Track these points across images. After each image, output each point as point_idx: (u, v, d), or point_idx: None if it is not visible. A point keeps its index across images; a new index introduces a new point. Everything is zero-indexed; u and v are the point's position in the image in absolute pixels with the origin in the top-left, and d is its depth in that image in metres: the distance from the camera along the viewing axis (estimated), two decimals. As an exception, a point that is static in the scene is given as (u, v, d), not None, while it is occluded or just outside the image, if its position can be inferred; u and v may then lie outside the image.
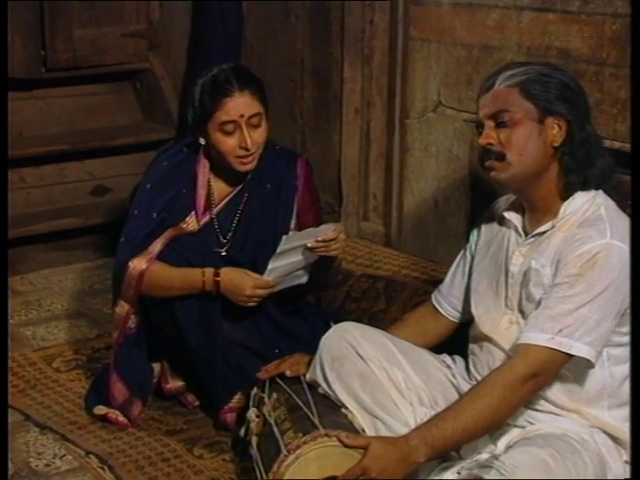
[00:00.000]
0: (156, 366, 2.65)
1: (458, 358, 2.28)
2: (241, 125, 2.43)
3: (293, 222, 2.60)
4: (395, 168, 3.37)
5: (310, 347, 2.32)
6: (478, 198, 3.06)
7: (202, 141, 2.51)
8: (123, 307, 2.54)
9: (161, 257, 2.47)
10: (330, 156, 3.64)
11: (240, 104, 2.43)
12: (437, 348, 2.34)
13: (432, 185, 3.25)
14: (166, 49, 4.18)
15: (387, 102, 3.37)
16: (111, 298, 2.64)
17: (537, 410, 2.06)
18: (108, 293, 3.42)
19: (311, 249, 2.39)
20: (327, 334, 2.22)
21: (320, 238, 2.38)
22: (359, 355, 2.15)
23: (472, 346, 2.22)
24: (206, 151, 2.57)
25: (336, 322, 2.37)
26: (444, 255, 3.15)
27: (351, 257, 3.17)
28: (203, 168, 2.57)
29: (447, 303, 2.34)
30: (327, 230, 2.41)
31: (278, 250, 2.36)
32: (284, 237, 2.35)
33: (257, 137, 2.46)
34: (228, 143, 2.45)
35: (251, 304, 2.43)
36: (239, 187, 2.59)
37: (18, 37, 3.74)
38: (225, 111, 2.43)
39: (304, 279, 2.52)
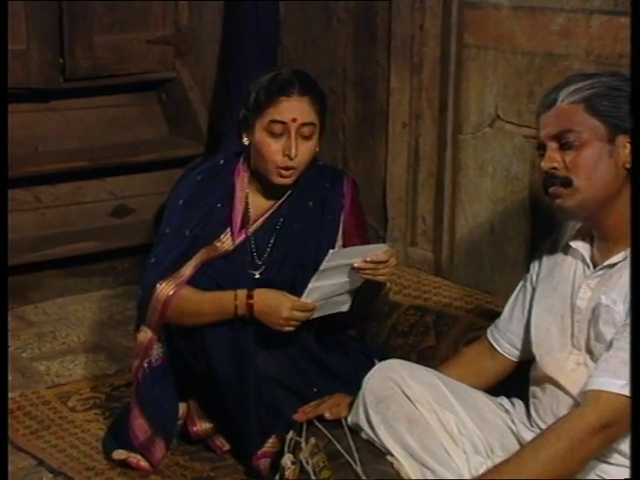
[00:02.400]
0: (182, 406, 2.67)
1: (517, 401, 2.28)
2: (290, 130, 2.47)
3: (338, 245, 2.62)
4: (446, 189, 3.37)
5: (352, 387, 2.32)
6: (539, 223, 3.05)
7: (246, 141, 2.54)
8: (146, 334, 2.57)
9: (191, 282, 2.51)
10: (374, 175, 3.66)
11: (296, 107, 2.47)
12: (494, 390, 2.34)
13: (488, 208, 3.24)
14: (195, 57, 4.22)
15: (438, 116, 3.38)
16: (133, 327, 2.67)
17: (610, 464, 2.05)
18: (129, 325, 3.47)
19: (357, 269, 2.39)
20: (371, 373, 2.22)
21: (369, 259, 2.38)
22: (406, 396, 2.15)
23: (534, 388, 2.21)
24: (245, 164, 2.61)
25: (381, 359, 2.38)
26: (501, 286, 3.14)
27: (397, 287, 3.17)
28: (241, 182, 2.61)
29: (505, 340, 2.34)
30: (378, 250, 2.41)
31: (322, 266, 2.36)
32: (330, 251, 2.36)
33: (304, 150, 2.49)
34: (272, 147, 2.48)
35: (288, 329, 2.44)
36: (278, 204, 2.62)
37: (34, 43, 3.80)
38: (278, 110, 2.46)
39: (346, 307, 2.53)
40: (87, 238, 3.94)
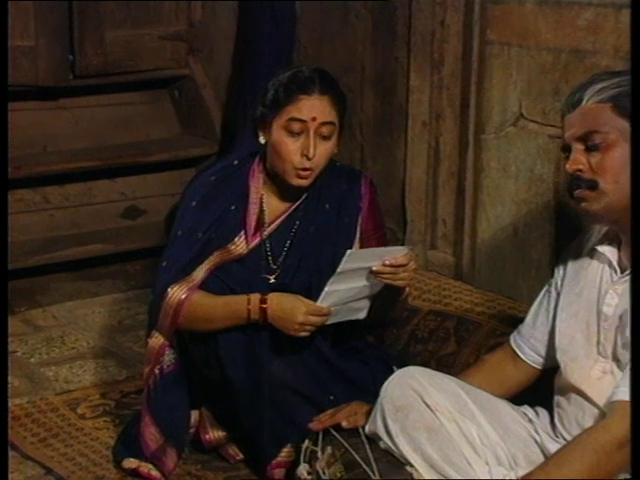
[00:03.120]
0: (194, 414, 2.67)
1: (541, 411, 2.27)
2: (309, 129, 2.47)
3: (355, 248, 2.61)
4: (468, 190, 3.37)
5: (370, 394, 2.32)
6: (564, 226, 3.05)
7: (262, 139, 2.54)
8: (157, 339, 2.58)
9: (203, 286, 2.51)
10: (393, 176, 3.66)
11: (316, 105, 2.47)
12: (517, 398, 2.33)
13: (511, 210, 3.24)
14: (208, 53, 4.24)
15: (459, 115, 3.38)
16: (144, 333, 2.67)
17: None
18: (139, 329, 3.48)
19: (375, 273, 2.39)
20: (389, 380, 2.22)
21: (388, 262, 2.38)
22: (426, 405, 2.15)
23: (558, 397, 2.20)
24: (260, 164, 2.61)
25: (400, 366, 2.37)
26: (524, 291, 3.14)
27: (417, 291, 3.17)
28: (256, 183, 2.61)
29: (528, 347, 2.33)
30: (397, 253, 2.40)
31: (339, 268, 2.34)
32: (348, 252, 2.34)
33: (322, 151, 2.49)
34: (290, 146, 2.48)
35: (302, 334, 2.44)
36: (294, 206, 2.62)
37: (43, 40, 3.82)
38: (298, 108, 2.46)
39: (362, 314, 2.52)
40: (97, 240, 3.96)
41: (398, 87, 3.59)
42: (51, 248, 3.86)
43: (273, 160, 2.53)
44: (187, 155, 4.17)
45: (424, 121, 3.48)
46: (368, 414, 2.26)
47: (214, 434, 2.69)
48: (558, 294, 2.26)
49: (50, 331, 3.57)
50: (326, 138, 2.49)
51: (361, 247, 2.62)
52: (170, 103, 4.30)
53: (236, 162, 2.65)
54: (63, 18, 3.86)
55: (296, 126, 2.47)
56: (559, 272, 2.28)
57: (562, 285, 2.25)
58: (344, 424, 2.30)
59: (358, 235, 2.63)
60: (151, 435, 2.60)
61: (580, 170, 2.06)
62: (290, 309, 2.42)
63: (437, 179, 3.49)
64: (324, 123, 2.47)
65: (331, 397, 2.50)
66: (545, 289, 2.33)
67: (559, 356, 2.19)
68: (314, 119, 2.46)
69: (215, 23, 4.20)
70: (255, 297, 2.45)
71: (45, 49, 3.83)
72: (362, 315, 2.52)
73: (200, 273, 2.52)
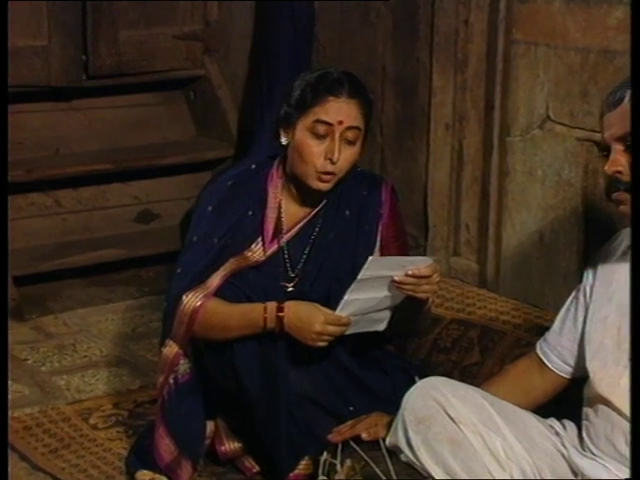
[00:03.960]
0: (209, 425, 2.68)
1: (568, 423, 2.26)
2: (335, 133, 2.47)
3: (376, 255, 2.60)
4: (492, 195, 3.36)
5: (391, 405, 2.32)
6: (593, 232, 3.04)
7: (284, 140, 2.55)
8: (172, 348, 2.58)
9: (219, 293, 2.51)
10: (415, 180, 3.65)
11: (344, 109, 2.47)
12: (543, 411, 2.32)
13: (537, 216, 3.23)
14: (225, 53, 4.25)
15: (484, 117, 3.38)
16: (159, 341, 2.68)
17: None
18: (153, 337, 3.48)
19: (397, 283, 2.38)
20: (411, 390, 2.22)
21: (411, 272, 2.37)
22: (449, 416, 2.15)
23: (586, 410, 2.19)
24: (279, 168, 2.62)
25: (422, 376, 2.37)
26: (551, 299, 3.13)
27: (439, 299, 3.16)
28: (275, 188, 2.61)
29: (555, 355, 2.32)
30: (421, 264, 2.39)
31: (360, 276, 2.33)
32: (369, 259, 2.33)
33: (347, 156, 2.49)
34: (313, 148, 2.48)
35: (320, 344, 2.43)
36: (313, 212, 2.63)
37: (56, 39, 3.84)
38: (325, 110, 2.47)
39: (382, 325, 2.52)
40: (110, 245, 3.97)
41: (420, 88, 3.59)
42: (63, 253, 3.88)
43: (294, 162, 2.54)
44: (203, 158, 4.18)
45: (447, 123, 3.48)
46: (389, 426, 2.26)
47: (230, 446, 2.69)
48: (587, 300, 2.26)
49: (62, 339, 3.58)
50: (351, 143, 2.49)
51: (382, 255, 2.61)
52: (185, 104, 4.32)
53: (254, 166, 2.66)
54: (76, 18, 3.88)
55: (322, 128, 2.47)
56: (588, 277, 2.27)
57: (592, 290, 2.24)
58: (364, 436, 2.31)
59: (378, 243, 2.63)
60: (165, 446, 2.60)
61: (619, 172, 2.04)
62: (307, 318, 2.42)
63: (460, 183, 3.49)
64: (350, 127, 2.48)
65: (351, 408, 2.50)
66: (573, 295, 2.32)
67: (588, 363, 2.18)
68: (340, 122, 2.47)
69: (232, 22, 4.21)
70: (272, 305, 2.45)
71: (58, 49, 3.85)
72: (382, 327, 2.51)
73: (216, 280, 2.53)
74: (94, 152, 4.06)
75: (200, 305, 2.49)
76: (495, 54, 3.28)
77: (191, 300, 2.50)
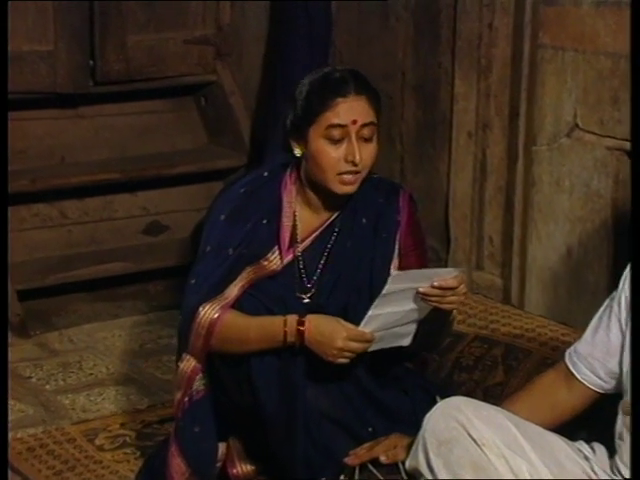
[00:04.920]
0: (221, 446, 2.67)
1: (598, 446, 2.24)
2: (351, 134, 2.47)
3: (394, 265, 2.61)
4: (517, 206, 3.36)
5: (411, 427, 2.32)
6: (623, 245, 3.03)
7: (298, 152, 2.55)
8: (189, 362, 2.58)
9: (237, 305, 2.52)
10: (436, 190, 3.65)
11: (355, 108, 2.47)
12: (574, 430, 2.30)
13: (564, 228, 3.23)
14: (237, 58, 4.26)
15: (508, 125, 3.38)
16: (168, 358, 2.68)
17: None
18: (162, 354, 3.49)
19: (422, 295, 2.38)
20: (432, 411, 2.21)
21: (436, 284, 2.37)
22: (472, 438, 2.14)
23: (620, 428, 2.17)
24: (292, 175, 2.62)
25: (443, 396, 2.36)
26: (579, 316, 3.11)
27: (462, 315, 3.16)
28: (289, 195, 2.61)
29: (585, 366, 2.30)
30: (446, 275, 2.39)
31: (384, 291, 2.33)
32: (393, 273, 2.35)
33: (367, 154, 2.49)
34: (332, 154, 2.48)
35: (341, 360, 2.43)
36: (329, 220, 2.63)
37: (62, 44, 3.85)
38: (335, 113, 2.47)
39: (407, 340, 2.51)
40: (117, 258, 3.98)
41: (442, 95, 3.59)
42: (68, 266, 3.89)
43: (313, 171, 2.54)
44: (214, 167, 4.19)
45: (470, 131, 3.48)
46: (408, 448, 2.25)
47: (242, 468, 2.68)
48: (622, 309, 2.23)
49: (67, 356, 3.59)
50: (368, 140, 2.49)
51: (400, 264, 2.61)
52: (196, 111, 4.33)
53: (266, 173, 2.66)
54: (83, 22, 3.89)
55: (336, 132, 2.47)
56: (624, 285, 2.24)
57: (627, 300, 2.22)
58: (382, 459, 2.30)
59: (397, 252, 2.64)
60: (177, 467, 2.60)
61: None
62: (329, 333, 2.42)
63: (483, 194, 3.49)
64: (365, 125, 2.48)
65: (369, 429, 2.49)
66: (606, 303, 2.30)
67: (625, 378, 2.17)
68: (354, 122, 2.46)
69: (245, 25, 4.23)
70: (292, 318, 2.45)
71: (64, 54, 3.86)
72: (407, 342, 2.51)
73: (234, 291, 2.53)
74: (101, 161, 4.07)
75: (218, 317, 2.50)
76: (520, 59, 3.29)
77: (208, 312, 2.50)
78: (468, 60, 3.45)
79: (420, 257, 2.67)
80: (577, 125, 3.16)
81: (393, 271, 2.35)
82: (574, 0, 3.10)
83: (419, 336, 2.52)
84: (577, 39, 3.11)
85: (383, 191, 2.66)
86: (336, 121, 2.46)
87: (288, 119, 2.56)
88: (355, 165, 2.47)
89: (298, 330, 2.43)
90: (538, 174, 3.29)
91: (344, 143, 2.47)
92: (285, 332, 2.44)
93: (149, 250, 4.09)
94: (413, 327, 2.48)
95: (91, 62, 3.95)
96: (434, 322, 2.50)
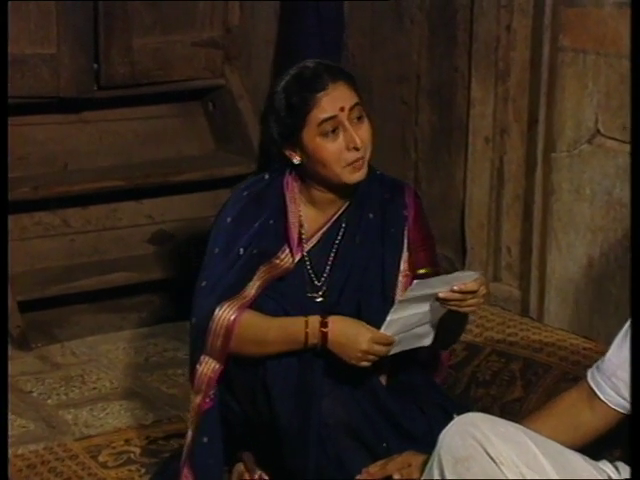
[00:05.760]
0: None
1: (622, 466, 2.24)
2: (343, 121, 2.52)
3: (404, 260, 2.64)
4: (536, 215, 3.36)
5: (425, 446, 2.31)
6: (647, 255, 3.02)
7: (297, 160, 2.58)
8: (208, 365, 2.57)
9: (255, 306, 2.54)
10: (451, 198, 3.65)
11: (337, 96, 2.52)
12: (597, 449, 2.30)
13: (585, 238, 3.22)
14: (246, 61, 4.27)
15: (527, 130, 3.38)
16: (188, 362, 2.66)
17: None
18: (168, 368, 3.49)
19: (442, 300, 2.41)
20: (448, 428, 2.20)
21: (457, 287, 2.40)
22: (489, 456, 2.13)
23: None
24: (293, 173, 2.64)
25: (459, 412, 2.36)
26: (601, 329, 3.11)
27: (478, 329, 3.16)
28: (292, 194, 2.65)
29: (609, 386, 2.29)
30: (467, 279, 2.42)
31: (404, 297, 2.40)
32: (415, 282, 2.40)
33: (364, 133, 2.54)
34: (332, 147, 2.52)
35: (364, 364, 2.46)
36: (334, 217, 2.65)
37: (66, 46, 3.87)
38: (321, 108, 2.51)
39: (428, 340, 2.55)
40: (121, 268, 3.98)
41: (458, 99, 3.59)
42: (71, 277, 3.89)
43: (318, 169, 2.57)
44: (221, 174, 4.20)
45: (487, 137, 3.48)
46: (423, 466, 2.25)
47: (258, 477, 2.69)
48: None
49: (69, 369, 3.59)
50: (360, 119, 2.54)
51: (409, 259, 2.65)
52: (203, 116, 4.34)
53: (267, 176, 2.70)
54: (87, 24, 3.91)
55: (329, 125, 2.51)
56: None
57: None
58: (396, 477, 2.30)
59: (406, 246, 2.66)
60: (184, 478, 2.60)
61: None
62: (354, 335, 2.44)
63: (501, 202, 3.48)
64: (352, 107, 2.53)
65: (384, 444, 2.50)
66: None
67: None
68: (342, 109, 2.51)
69: (254, 29, 4.23)
70: (314, 319, 2.47)
71: (67, 57, 3.88)
72: (427, 342, 2.55)
73: (251, 291, 2.55)
74: (105, 168, 4.08)
75: (236, 316, 2.51)
76: (540, 62, 3.28)
77: (226, 311, 2.52)
78: (485, 63, 3.45)
79: (429, 251, 2.71)
80: (598, 131, 3.15)
81: (415, 281, 2.38)
82: (595, 1, 3.10)
83: (439, 336, 2.55)
84: (599, 41, 3.10)
85: (387, 187, 2.70)
86: (325, 115, 2.51)
87: (274, 133, 2.59)
88: (357, 150, 2.51)
89: (321, 332, 2.45)
90: (558, 182, 3.28)
91: (340, 133, 2.52)
92: (307, 333, 2.46)
93: (154, 260, 4.09)
94: (433, 328, 2.53)
95: (95, 65, 3.96)
96: (452, 322, 2.54)
